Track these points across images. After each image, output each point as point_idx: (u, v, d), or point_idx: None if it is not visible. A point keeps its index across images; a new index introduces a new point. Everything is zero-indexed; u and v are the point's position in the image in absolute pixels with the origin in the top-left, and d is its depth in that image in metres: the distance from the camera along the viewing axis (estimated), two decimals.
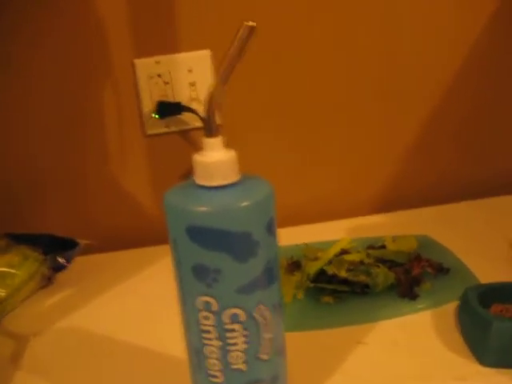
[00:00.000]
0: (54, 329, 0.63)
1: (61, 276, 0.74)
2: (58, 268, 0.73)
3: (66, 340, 0.61)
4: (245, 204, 0.38)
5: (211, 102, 0.38)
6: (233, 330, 0.40)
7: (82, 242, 0.75)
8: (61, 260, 0.72)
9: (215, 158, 0.39)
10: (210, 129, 0.39)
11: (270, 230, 0.40)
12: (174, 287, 0.42)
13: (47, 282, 0.72)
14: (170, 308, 0.62)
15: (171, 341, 0.57)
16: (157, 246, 0.78)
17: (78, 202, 0.84)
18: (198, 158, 0.39)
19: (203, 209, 0.38)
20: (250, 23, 0.35)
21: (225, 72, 0.37)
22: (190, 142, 0.82)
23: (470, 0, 0.81)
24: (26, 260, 0.69)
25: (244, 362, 0.41)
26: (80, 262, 0.76)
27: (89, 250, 0.77)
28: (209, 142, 0.39)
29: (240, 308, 0.40)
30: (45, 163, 0.81)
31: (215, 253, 0.38)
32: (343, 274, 0.63)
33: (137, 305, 0.67)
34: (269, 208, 0.40)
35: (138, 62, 0.78)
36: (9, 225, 0.78)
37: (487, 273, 0.63)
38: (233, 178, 0.39)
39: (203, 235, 0.38)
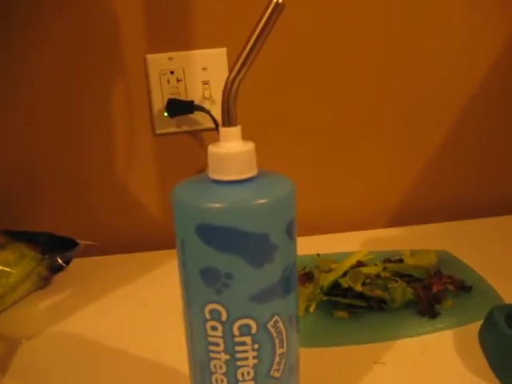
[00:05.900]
0: (48, 333, 0.60)
1: (59, 277, 0.71)
2: (57, 269, 0.70)
3: (59, 345, 0.58)
4: (263, 201, 0.34)
5: (231, 88, 0.34)
6: (243, 343, 0.36)
7: (83, 242, 0.71)
8: (60, 260, 0.69)
9: (232, 150, 0.35)
10: (227, 117, 0.35)
11: (290, 233, 0.36)
12: (178, 294, 0.38)
13: (44, 282, 0.69)
14: (172, 316, 0.59)
15: (172, 352, 0.53)
16: (161, 250, 0.75)
17: (81, 201, 0.80)
18: (213, 149, 0.35)
19: (216, 205, 0.34)
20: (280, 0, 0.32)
21: (248, 54, 0.33)
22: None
23: (486, 24, 0.78)
24: (22, 258, 0.66)
25: (253, 379, 0.37)
26: (79, 264, 0.73)
27: (89, 252, 0.74)
28: (225, 131, 0.35)
29: (252, 318, 0.36)
30: (48, 160, 0.78)
31: (227, 255, 0.34)
32: (359, 287, 0.59)
33: (136, 311, 0.63)
34: (289, 208, 0.36)
35: (150, 57, 0.75)
36: (8, 222, 0.74)
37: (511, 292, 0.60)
38: (250, 172, 0.35)
39: (215, 235, 0.34)
